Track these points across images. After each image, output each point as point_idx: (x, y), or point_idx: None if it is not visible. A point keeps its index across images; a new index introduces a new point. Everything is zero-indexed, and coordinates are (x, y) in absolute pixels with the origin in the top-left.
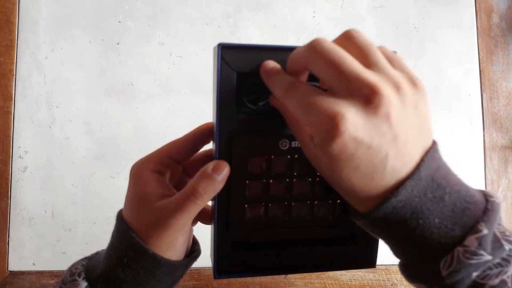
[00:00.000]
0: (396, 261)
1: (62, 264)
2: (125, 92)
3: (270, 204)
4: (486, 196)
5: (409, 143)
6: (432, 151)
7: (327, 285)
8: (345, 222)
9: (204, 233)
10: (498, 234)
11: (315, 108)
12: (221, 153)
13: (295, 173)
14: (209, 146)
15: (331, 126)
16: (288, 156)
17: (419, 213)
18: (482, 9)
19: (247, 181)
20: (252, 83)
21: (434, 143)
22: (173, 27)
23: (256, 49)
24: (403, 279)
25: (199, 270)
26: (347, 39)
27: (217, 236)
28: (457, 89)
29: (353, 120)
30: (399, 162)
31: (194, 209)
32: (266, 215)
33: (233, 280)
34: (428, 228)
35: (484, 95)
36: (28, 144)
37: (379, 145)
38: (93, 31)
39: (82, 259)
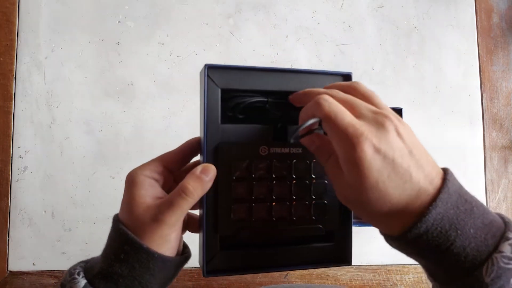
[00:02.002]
0: (396, 261)
1: (62, 264)
2: (125, 92)
3: (253, 205)
4: (495, 213)
5: (423, 159)
6: (450, 173)
7: (325, 284)
8: (322, 221)
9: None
10: None
11: (340, 126)
12: (208, 158)
13: (274, 176)
14: (197, 158)
15: (355, 145)
16: (268, 161)
17: (457, 224)
18: (482, 9)
19: (232, 184)
20: (234, 97)
21: (448, 169)
22: (173, 27)
23: (237, 69)
24: (403, 279)
25: (199, 271)
26: (353, 88)
27: (206, 236)
28: (457, 89)
29: (372, 137)
30: (421, 174)
31: (185, 206)
32: (250, 214)
33: (233, 280)
34: (466, 238)
35: (484, 95)
36: (28, 144)
37: (400, 157)
38: (93, 31)
39: (80, 262)
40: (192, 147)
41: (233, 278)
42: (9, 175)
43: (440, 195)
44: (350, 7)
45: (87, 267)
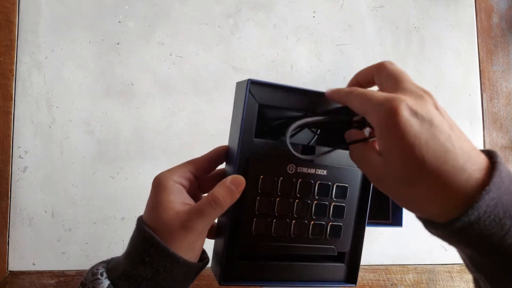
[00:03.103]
0: (396, 261)
1: (62, 264)
2: (125, 92)
3: (275, 220)
4: None
5: (463, 136)
6: (499, 155)
7: None
8: (336, 243)
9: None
10: None
11: (373, 98)
12: (239, 171)
13: (298, 195)
14: (222, 166)
15: (390, 107)
16: (294, 179)
17: (511, 211)
18: (482, 9)
19: (258, 198)
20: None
21: (495, 151)
22: (173, 27)
23: (278, 88)
24: (403, 279)
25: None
26: (380, 69)
27: (226, 246)
28: (457, 89)
29: (408, 101)
30: (464, 147)
31: (214, 215)
32: (271, 229)
33: None
34: None
35: (484, 95)
36: (28, 144)
37: (440, 123)
38: (93, 31)
39: (102, 262)
40: (219, 155)
41: None
42: (9, 175)
43: (493, 179)
44: (350, 7)
45: (110, 268)
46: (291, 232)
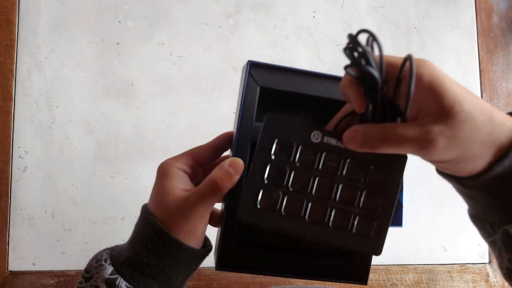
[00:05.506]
0: (396, 261)
1: (62, 264)
2: (125, 92)
3: (287, 196)
4: None
5: None
6: None
7: (327, 285)
8: (361, 242)
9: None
10: None
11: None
12: (237, 155)
13: (320, 170)
14: (228, 152)
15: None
16: (317, 151)
17: None
18: (482, 9)
19: (269, 164)
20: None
21: None
22: (173, 27)
23: (279, 70)
24: (403, 279)
25: (199, 270)
26: None
27: (224, 230)
28: None
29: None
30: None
31: (213, 199)
32: (280, 205)
33: (233, 280)
34: None
35: (484, 95)
36: (28, 144)
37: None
38: (93, 31)
39: (106, 249)
40: (223, 142)
41: (233, 278)
42: (9, 175)
43: None
44: (350, 7)
45: (114, 255)
46: (307, 214)
